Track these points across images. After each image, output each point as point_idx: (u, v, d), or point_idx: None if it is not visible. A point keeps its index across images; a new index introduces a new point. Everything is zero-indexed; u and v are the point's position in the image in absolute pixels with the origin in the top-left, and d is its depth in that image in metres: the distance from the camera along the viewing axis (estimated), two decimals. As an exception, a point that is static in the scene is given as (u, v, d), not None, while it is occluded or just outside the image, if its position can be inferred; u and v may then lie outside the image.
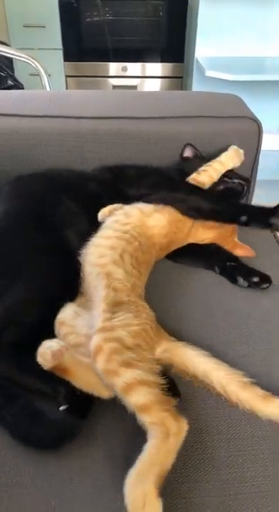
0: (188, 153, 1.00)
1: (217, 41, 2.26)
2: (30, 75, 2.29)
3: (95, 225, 0.83)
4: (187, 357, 0.66)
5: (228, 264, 0.85)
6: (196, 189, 0.89)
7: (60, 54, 2.72)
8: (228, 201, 0.90)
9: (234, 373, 0.63)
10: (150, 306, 0.71)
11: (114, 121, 1.01)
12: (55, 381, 0.58)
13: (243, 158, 0.97)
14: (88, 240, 0.80)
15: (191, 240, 0.88)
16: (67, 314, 0.68)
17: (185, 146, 1.00)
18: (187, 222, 0.87)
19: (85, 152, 1.00)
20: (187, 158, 1.00)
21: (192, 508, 0.54)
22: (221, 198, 0.90)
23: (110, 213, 0.86)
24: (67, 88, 2.81)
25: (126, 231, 0.80)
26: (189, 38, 2.60)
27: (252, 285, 0.83)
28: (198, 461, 0.57)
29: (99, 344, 0.58)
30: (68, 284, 0.74)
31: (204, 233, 0.88)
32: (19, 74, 2.39)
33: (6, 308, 0.68)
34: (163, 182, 0.92)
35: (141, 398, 0.54)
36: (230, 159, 0.95)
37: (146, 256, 0.81)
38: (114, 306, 0.67)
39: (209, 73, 2.05)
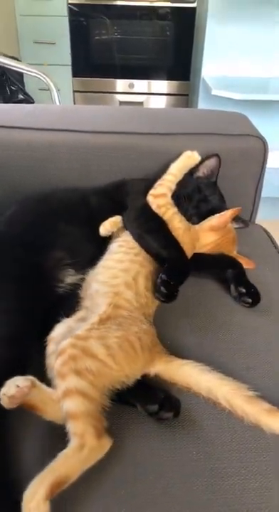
0: (203, 170, 0.99)
1: (223, 61, 2.30)
2: (40, 89, 2.34)
3: (98, 242, 0.85)
4: (189, 375, 0.66)
5: (229, 270, 0.86)
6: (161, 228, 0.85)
7: (68, 70, 2.78)
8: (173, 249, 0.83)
9: (238, 387, 0.64)
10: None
11: (121, 136, 1.04)
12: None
13: (197, 157, 0.97)
14: (82, 255, 0.82)
15: (197, 248, 0.89)
16: (59, 330, 0.69)
17: (210, 157, 0.98)
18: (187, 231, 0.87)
19: (92, 165, 1.03)
20: (198, 178, 0.99)
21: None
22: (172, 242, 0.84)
23: (112, 226, 0.87)
24: (74, 103, 2.86)
25: (137, 253, 0.81)
26: (196, 57, 2.65)
27: (238, 296, 0.83)
28: (202, 471, 0.58)
29: (64, 348, 0.62)
30: (38, 316, 0.71)
31: (205, 237, 0.88)
32: (29, 88, 2.45)
33: None
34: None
35: (74, 407, 0.57)
36: (181, 167, 0.95)
37: None
38: (107, 320, 0.68)
39: (215, 92, 2.08)
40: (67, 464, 0.54)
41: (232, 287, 0.84)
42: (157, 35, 2.78)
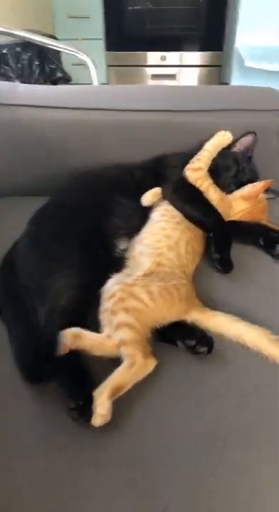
0: (239, 146, 1.10)
1: (258, 29, 2.30)
2: (73, 64, 2.42)
3: (141, 209, 0.99)
4: (221, 324, 0.79)
5: (271, 234, 0.97)
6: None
7: (101, 44, 2.83)
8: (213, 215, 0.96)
9: (263, 332, 0.76)
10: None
11: (160, 114, 1.15)
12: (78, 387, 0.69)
13: (230, 136, 1.06)
14: (134, 224, 0.95)
15: (230, 216, 1.00)
16: (111, 283, 0.82)
17: (246, 134, 1.10)
18: (225, 199, 1.00)
19: (133, 142, 1.15)
20: (234, 152, 1.09)
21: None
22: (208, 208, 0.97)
23: (153, 197, 0.99)
24: (107, 77, 2.92)
25: (178, 222, 0.93)
26: (229, 26, 2.64)
27: None
28: (232, 393, 0.71)
29: (114, 291, 0.77)
30: (101, 270, 0.84)
31: (237, 206, 1.00)
32: (63, 63, 2.53)
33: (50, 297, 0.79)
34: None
35: (124, 335, 0.73)
36: (215, 144, 1.05)
37: (201, 248, 0.95)
38: (151, 274, 0.82)
39: (248, 63, 2.11)
40: (122, 376, 0.69)
41: (277, 247, 0.95)
42: (190, 3, 2.79)
